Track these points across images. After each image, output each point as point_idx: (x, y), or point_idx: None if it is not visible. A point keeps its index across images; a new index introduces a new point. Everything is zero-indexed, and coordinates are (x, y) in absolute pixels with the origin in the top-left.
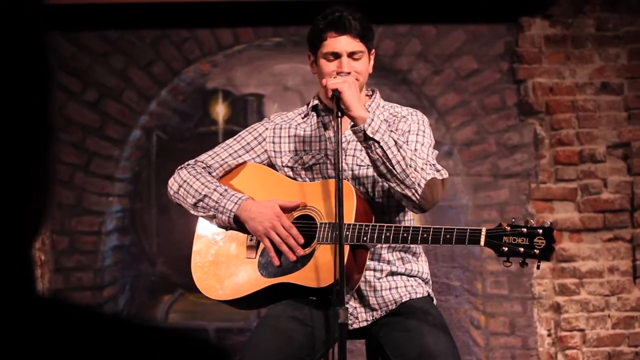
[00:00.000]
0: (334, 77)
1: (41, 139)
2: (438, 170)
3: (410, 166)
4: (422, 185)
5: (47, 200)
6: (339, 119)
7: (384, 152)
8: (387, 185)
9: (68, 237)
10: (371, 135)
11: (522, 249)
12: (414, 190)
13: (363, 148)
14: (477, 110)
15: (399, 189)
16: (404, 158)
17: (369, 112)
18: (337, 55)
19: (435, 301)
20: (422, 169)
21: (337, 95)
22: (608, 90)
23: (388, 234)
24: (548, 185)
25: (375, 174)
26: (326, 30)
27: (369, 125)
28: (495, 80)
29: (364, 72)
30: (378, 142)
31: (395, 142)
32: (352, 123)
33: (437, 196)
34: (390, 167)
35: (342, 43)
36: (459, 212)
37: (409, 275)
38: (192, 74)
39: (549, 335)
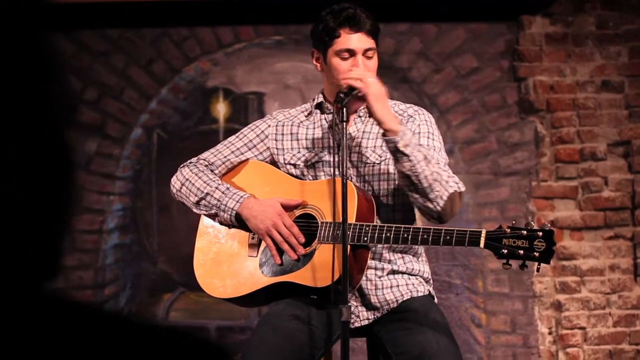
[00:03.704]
0: (352, 72)
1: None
2: (457, 183)
3: (436, 180)
4: (445, 199)
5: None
6: (344, 123)
7: (413, 165)
8: (399, 188)
9: (69, 236)
10: (402, 149)
11: (521, 252)
12: (435, 204)
13: (369, 147)
14: (477, 108)
15: (420, 201)
16: (431, 173)
17: (399, 122)
18: (352, 53)
19: (436, 300)
20: (446, 181)
21: (344, 93)
22: (609, 88)
23: (388, 234)
24: (549, 183)
25: (380, 172)
26: (340, 27)
27: (401, 139)
28: (496, 78)
29: (375, 70)
30: (408, 156)
31: (425, 156)
32: (383, 131)
33: (456, 209)
34: (417, 181)
35: (358, 40)
36: (459, 209)
37: (410, 274)
38: (193, 73)
39: (550, 333)
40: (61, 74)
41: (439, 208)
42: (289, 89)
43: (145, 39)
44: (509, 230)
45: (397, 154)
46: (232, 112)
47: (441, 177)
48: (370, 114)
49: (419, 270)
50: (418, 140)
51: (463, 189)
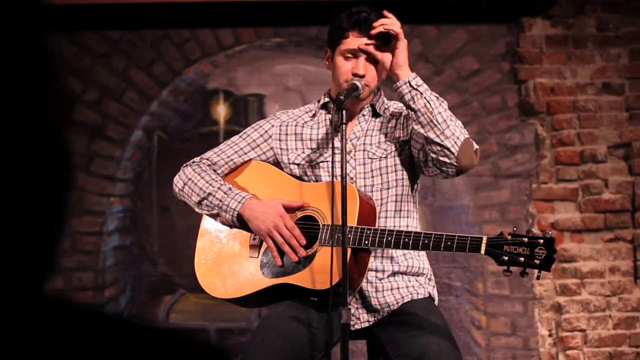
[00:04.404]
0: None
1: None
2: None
3: (451, 119)
4: (462, 139)
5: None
6: (344, 125)
7: (427, 102)
8: (405, 179)
9: (69, 238)
10: (416, 87)
11: (522, 259)
12: (453, 142)
13: (374, 143)
14: (478, 110)
15: (438, 140)
16: (445, 111)
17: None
18: (356, 55)
19: (437, 301)
20: (461, 126)
21: (344, 95)
22: (609, 91)
23: (389, 238)
24: (549, 185)
25: (387, 165)
26: (349, 29)
27: (414, 78)
28: (496, 80)
29: (376, 75)
30: (422, 94)
31: (437, 97)
32: (396, 77)
33: (473, 158)
34: (431, 117)
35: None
36: (460, 212)
37: (411, 274)
38: (193, 75)
39: (550, 335)
40: (59, 74)
41: (457, 147)
42: (289, 91)
43: (146, 41)
44: (510, 237)
45: (412, 92)
46: (233, 114)
47: (455, 120)
48: (393, 57)
49: (419, 267)
50: None
51: (477, 146)
